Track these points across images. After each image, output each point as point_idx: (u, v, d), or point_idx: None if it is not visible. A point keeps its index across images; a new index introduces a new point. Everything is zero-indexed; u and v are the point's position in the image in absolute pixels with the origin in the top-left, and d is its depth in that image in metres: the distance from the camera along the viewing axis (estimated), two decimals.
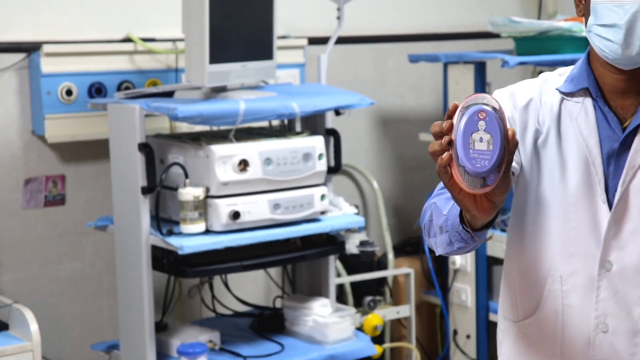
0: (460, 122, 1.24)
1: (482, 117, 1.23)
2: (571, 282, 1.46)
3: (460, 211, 1.36)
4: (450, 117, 1.26)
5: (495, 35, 3.53)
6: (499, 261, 3.36)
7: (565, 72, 1.53)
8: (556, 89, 1.50)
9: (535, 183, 1.49)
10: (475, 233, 1.35)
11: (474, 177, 1.24)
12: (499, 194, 1.28)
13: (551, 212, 1.48)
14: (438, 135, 1.27)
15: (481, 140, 1.23)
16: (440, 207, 1.41)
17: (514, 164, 1.48)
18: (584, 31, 1.50)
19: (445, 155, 1.24)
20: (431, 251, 3.50)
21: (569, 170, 1.46)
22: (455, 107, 1.25)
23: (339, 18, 3.15)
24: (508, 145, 1.24)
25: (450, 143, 1.24)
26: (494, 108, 1.24)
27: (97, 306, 3.14)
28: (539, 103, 1.50)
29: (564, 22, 3.16)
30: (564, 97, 1.49)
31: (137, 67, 3.05)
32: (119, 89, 3.00)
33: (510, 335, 1.55)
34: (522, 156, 1.50)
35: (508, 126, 1.25)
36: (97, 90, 2.98)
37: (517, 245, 1.55)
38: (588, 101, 1.47)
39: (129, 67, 3.03)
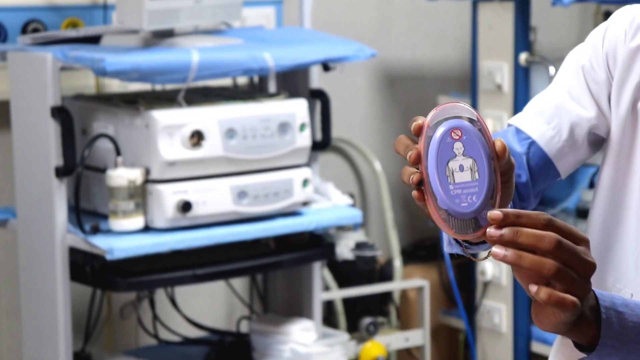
0: (430, 149, 1.25)
1: (456, 137, 1.25)
2: None
3: None
4: (417, 136, 1.27)
5: None
6: None
7: None
8: None
9: (621, 159, 1.50)
10: (469, 246, 1.39)
11: (462, 219, 1.26)
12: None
13: (632, 205, 1.48)
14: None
15: (461, 168, 1.25)
16: None
17: (592, 121, 1.49)
18: None
19: (415, 194, 1.25)
20: (453, 256, 3.51)
21: None
22: (420, 127, 1.26)
23: None
24: (499, 163, 1.26)
25: (422, 181, 1.25)
26: (470, 119, 1.26)
27: None
28: None
29: None
30: None
31: (50, 2, 3.04)
32: (24, 31, 3.00)
33: None
34: (612, 119, 1.50)
35: (492, 138, 1.27)
36: None
37: (588, 230, 1.57)
38: None
39: (39, 0, 3.02)
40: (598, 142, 1.55)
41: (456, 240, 1.41)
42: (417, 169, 1.25)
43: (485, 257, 1.35)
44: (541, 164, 1.53)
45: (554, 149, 1.51)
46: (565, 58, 1.56)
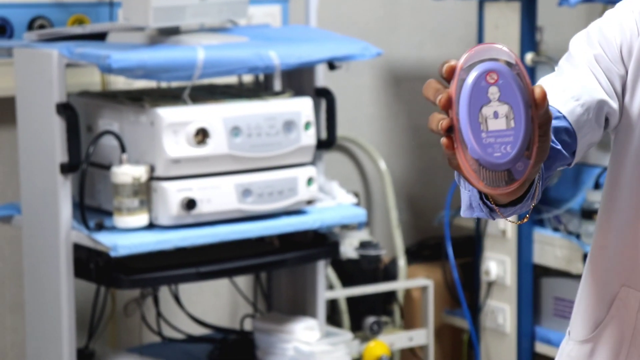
0: (462, 93, 1.16)
1: (492, 81, 1.15)
2: None
3: None
4: (448, 81, 1.18)
5: None
6: (549, 271, 3.36)
7: None
8: None
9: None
10: (501, 209, 1.29)
11: (494, 171, 1.16)
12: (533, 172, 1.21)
13: None
14: (435, 104, 1.19)
15: (496, 115, 1.15)
16: None
17: (611, 106, 1.44)
18: None
19: (443, 142, 1.16)
20: (457, 256, 3.51)
21: None
22: (452, 69, 1.17)
23: None
24: (537, 112, 1.16)
25: (452, 127, 1.16)
26: (507, 63, 1.16)
27: None
28: None
29: None
30: None
31: None
32: (30, 27, 3.00)
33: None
34: (627, 106, 1.47)
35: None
36: None
37: (599, 232, 1.55)
38: None
39: None
40: (605, 128, 1.50)
41: (482, 199, 1.30)
42: (447, 115, 1.16)
43: (522, 220, 1.27)
44: (565, 140, 1.42)
45: (580, 127, 1.41)
46: (571, 46, 1.51)
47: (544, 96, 1.15)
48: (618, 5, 1.53)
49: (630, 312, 1.53)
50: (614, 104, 1.46)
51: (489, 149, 1.15)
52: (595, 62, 1.47)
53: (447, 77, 1.17)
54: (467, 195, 1.34)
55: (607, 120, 1.48)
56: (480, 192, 1.29)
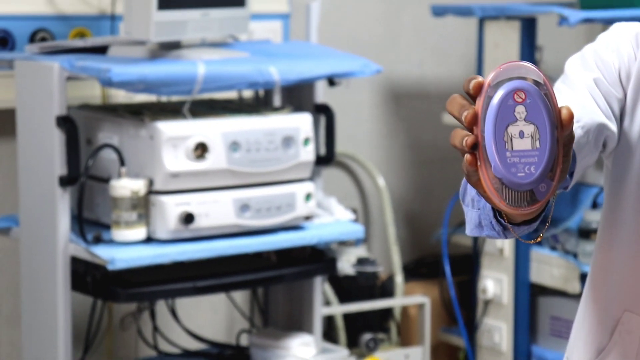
0: (488, 110, 1.14)
1: (520, 100, 1.14)
2: None
3: None
4: (473, 97, 1.17)
5: None
6: (546, 290, 3.36)
7: None
8: None
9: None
10: (515, 228, 1.28)
11: (517, 190, 1.15)
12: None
13: None
14: (460, 121, 1.18)
15: (522, 135, 1.14)
16: None
17: (610, 129, 1.43)
18: None
19: (467, 159, 1.14)
20: (454, 274, 3.51)
21: None
22: (480, 85, 1.16)
23: None
24: (562, 133, 1.15)
25: (476, 144, 1.14)
26: (535, 82, 1.16)
27: None
28: None
29: None
30: None
31: (59, 11, 3.05)
32: (32, 40, 3.01)
33: None
34: (626, 129, 1.48)
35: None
36: (1, 40, 2.97)
37: (600, 255, 1.55)
38: None
39: (47, 10, 3.03)
40: (602, 152, 1.50)
41: (495, 217, 1.29)
42: (472, 132, 1.15)
43: (536, 240, 1.26)
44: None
45: (580, 149, 1.40)
46: (567, 68, 1.51)
47: (571, 118, 1.15)
48: (612, 29, 1.53)
49: (633, 338, 1.52)
50: (613, 127, 1.46)
51: (512, 168, 1.14)
52: (595, 85, 1.47)
53: (474, 93, 1.16)
54: (476, 214, 1.33)
55: (604, 144, 1.48)
56: (494, 210, 1.29)
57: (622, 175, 1.51)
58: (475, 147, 1.14)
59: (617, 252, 1.53)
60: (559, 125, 1.15)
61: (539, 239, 1.30)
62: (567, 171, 1.18)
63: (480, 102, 1.15)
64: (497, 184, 1.15)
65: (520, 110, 1.14)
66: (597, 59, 1.49)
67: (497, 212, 1.29)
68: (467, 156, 1.15)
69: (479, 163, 1.15)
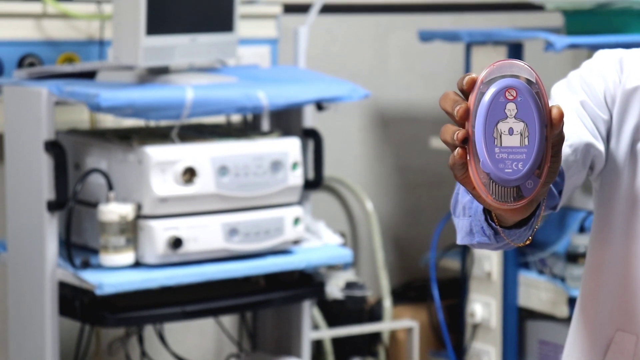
0: (479, 106, 1.17)
1: (511, 98, 1.16)
2: None
3: None
4: (466, 94, 1.19)
5: (538, 7, 3.54)
6: (534, 314, 3.36)
7: None
8: None
9: (629, 184, 1.49)
10: (505, 231, 1.30)
11: (504, 186, 1.17)
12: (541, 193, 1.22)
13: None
14: (452, 116, 1.20)
15: (511, 132, 1.16)
16: None
17: (597, 149, 1.44)
18: None
19: (458, 153, 1.17)
20: (443, 298, 3.50)
21: None
22: (473, 82, 1.18)
23: None
24: (551, 132, 1.17)
25: (467, 139, 1.17)
26: (528, 81, 1.17)
27: None
28: None
29: None
30: None
31: (47, 36, 3.05)
32: (20, 65, 3.01)
33: None
34: (613, 151, 1.49)
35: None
36: None
37: (590, 276, 1.55)
38: None
39: (35, 35, 3.03)
40: (590, 172, 1.52)
41: (486, 220, 1.31)
42: (463, 127, 1.17)
43: (525, 243, 1.27)
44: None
45: (568, 167, 1.43)
46: (553, 92, 1.54)
47: (561, 117, 1.17)
48: (596, 55, 1.55)
49: (626, 357, 1.52)
50: (600, 147, 1.48)
51: (500, 164, 1.16)
52: (581, 107, 1.49)
53: (467, 89, 1.18)
54: (467, 221, 1.35)
55: (591, 164, 1.50)
56: (485, 214, 1.30)
57: (610, 196, 1.53)
58: (465, 142, 1.17)
59: (607, 273, 1.54)
60: (549, 124, 1.17)
61: (528, 242, 1.31)
62: (556, 172, 1.20)
63: (472, 98, 1.18)
64: (485, 179, 1.17)
65: (510, 108, 1.16)
66: (583, 83, 1.51)
67: (487, 216, 1.31)
68: (458, 150, 1.17)
69: (468, 158, 1.17)
